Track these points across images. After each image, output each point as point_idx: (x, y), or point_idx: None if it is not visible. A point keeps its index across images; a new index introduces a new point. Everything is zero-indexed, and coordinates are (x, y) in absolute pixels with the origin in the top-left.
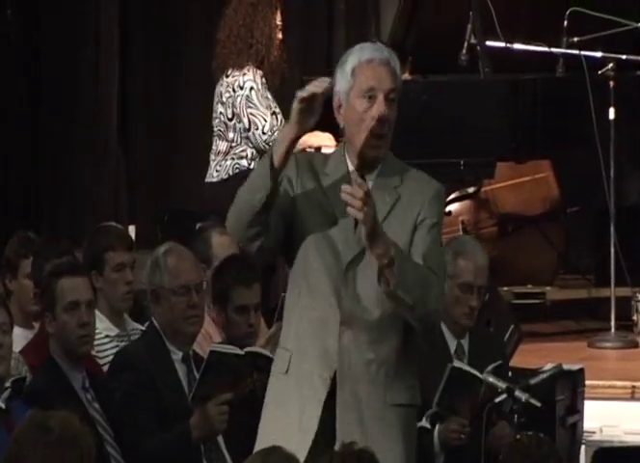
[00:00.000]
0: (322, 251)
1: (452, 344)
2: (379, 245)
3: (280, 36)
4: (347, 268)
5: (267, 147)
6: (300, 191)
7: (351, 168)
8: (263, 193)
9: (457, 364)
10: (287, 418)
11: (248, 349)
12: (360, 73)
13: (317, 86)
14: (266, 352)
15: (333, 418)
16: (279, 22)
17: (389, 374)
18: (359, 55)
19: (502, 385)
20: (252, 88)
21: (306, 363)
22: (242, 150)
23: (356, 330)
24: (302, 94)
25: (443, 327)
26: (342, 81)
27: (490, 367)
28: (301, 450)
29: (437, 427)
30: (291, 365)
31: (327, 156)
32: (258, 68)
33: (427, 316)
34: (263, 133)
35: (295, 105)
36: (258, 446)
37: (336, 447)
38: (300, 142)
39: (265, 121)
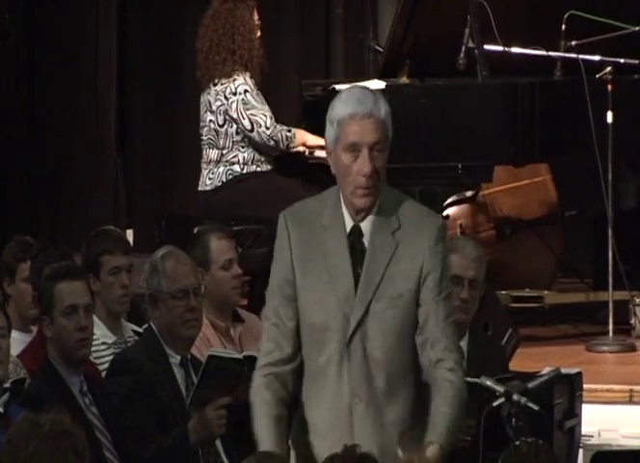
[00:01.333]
0: (325, 319)
1: None
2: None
3: (258, 33)
4: (352, 335)
5: (271, 141)
6: (298, 259)
7: (347, 219)
8: None
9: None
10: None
11: (246, 353)
12: (344, 127)
13: None
14: None
15: None
16: (257, 21)
17: (404, 428)
18: (343, 107)
19: (500, 389)
20: (245, 91)
21: (322, 441)
22: (234, 156)
23: (365, 400)
24: None
25: None
26: (330, 131)
27: (493, 379)
28: None
29: None
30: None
31: (321, 202)
32: (245, 70)
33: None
34: (267, 128)
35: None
36: None
37: None
38: (297, 141)
39: (265, 117)
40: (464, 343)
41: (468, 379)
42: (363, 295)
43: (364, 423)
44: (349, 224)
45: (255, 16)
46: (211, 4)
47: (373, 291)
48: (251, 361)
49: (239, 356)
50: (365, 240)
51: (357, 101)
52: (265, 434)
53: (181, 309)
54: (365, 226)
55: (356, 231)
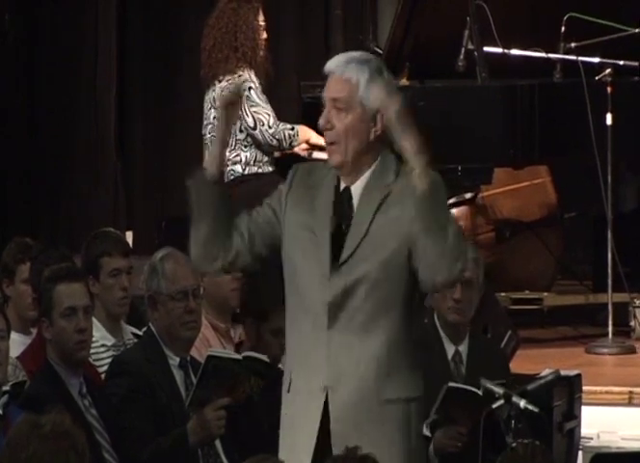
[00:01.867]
0: (308, 260)
1: (450, 351)
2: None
3: (264, 35)
4: (332, 268)
5: (274, 140)
6: (290, 206)
7: (342, 182)
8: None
9: (452, 384)
10: (294, 436)
11: (245, 354)
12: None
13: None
14: (264, 357)
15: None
16: (262, 23)
17: (381, 370)
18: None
19: (499, 390)
20: (250, 88)
21: (302, 377)
22: (236, 156)
23: (342, 330)
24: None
25: (441, 333)
26: None
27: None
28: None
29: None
30: (292, 382)
31: (325, 164)
32: (250, 68)
33: (460, 255)
34: (270, 127)
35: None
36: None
37: (334, 449)
38: (300, 138)
39: (268, 115)
40: (463, 347)
41: (467, 388)
42: (350, 242)
43: (339, 355)
44: (342, 186)
45: (261, 18)
46: (217, 5)
47: (361, 238)
48: (250, 361)
49: (238, 356)
50: (355, 202)
51: (337, 59)
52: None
53: (180, 310)
54: (356, 188)
55: (346, 194)
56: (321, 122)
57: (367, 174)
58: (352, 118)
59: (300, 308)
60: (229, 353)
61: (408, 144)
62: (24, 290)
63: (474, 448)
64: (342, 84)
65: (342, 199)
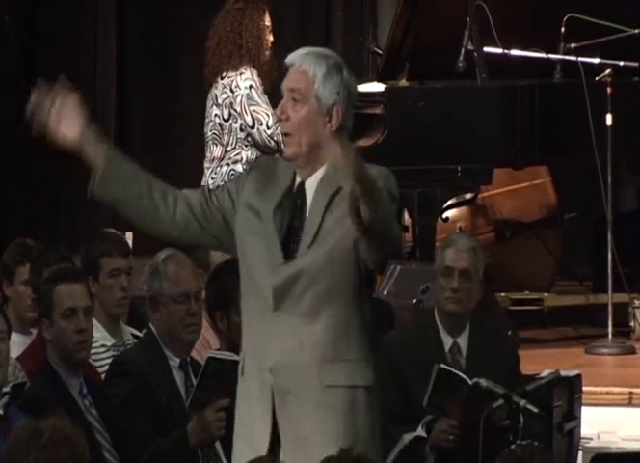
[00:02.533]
0: (256, 244)
1: (447, 343)
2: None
3: (270, 37)
4: (279, 256)
5: (271, 141)
6: (246, 191)
7: (298, 176)
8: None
9: (443, 366)
10: (247, 420)
11: None
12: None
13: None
14: None
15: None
16: (267, 24)
17: (325, 355)
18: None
19: (500, 391)
20: (251, 86)
21: (252, 359)
22: (237, 154)
23: (287, 313)
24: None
25: (439, 325)
26: None
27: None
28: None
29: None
30: (244, 365)
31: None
32: (252, 67)
33: (394, 241)
34: (268, 128)
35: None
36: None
37: (280, 431)
38: None
39: (268, 116)
40: (462, 339)
41: (457, 373)
42: (299, 233)
43: (284, 338)
44: (297, 181)
45: (267, 19)
46: (223, 5)
47: (310, 231)
48: None
49: (237, 357)
50: (308, 197)
51: (294, 53)
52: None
53: (182, 313)
54: (310, 183)
55: (300, 188)
56: (277, 111)
57: (322, 169)
58: (307, 110)
59: (251, 290)
60: (230, 354)
61: (340, 152)
62: (23, 292)
63: (470, 447)
64: (299, 75)
65: (295, 192)
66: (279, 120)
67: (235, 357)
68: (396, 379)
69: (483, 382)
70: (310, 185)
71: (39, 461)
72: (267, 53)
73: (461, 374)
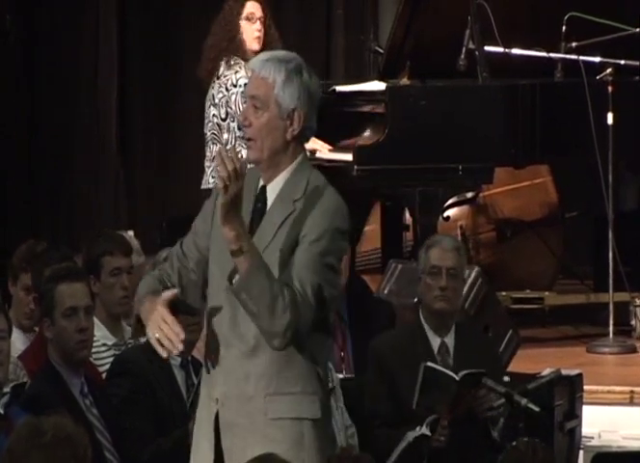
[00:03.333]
0: (213, 272)
1: (435, 343)
2: (231, 227)
3: (255, 26)
4: (229, 283)
5: None
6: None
7: (261, 183)
8: None
9: (430, 364)
10: (195, 446)
11: None
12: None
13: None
14: None
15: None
16: (249, 13)
17: (270, 388)
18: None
19: (501, 390)
20: (245, 84)
21: (204, 386)
22: (237, 153)
23: (234, 346)
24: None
25: (425, 325)
26: None
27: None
28: None
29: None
30: (200, 381)
31: None
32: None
33: (272, 335)
34: None
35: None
36: None
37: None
38: None
39: None
40: (449, 339)
41: (444, 371)
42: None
43: (231, 369)
44: (260, 183)
45: (247, 9)
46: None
47: (262, 249)
48: None
49: None
50: (268, 201)
51: (260, 58)
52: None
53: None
54: (272, 188)
55: (263, 193)
56: (239, 118)
57: (283, 174)
58: (268, 116)
59: (208, 314)
60: None
61: None
62: (22, 298)
63: (462, 447)
64: (259, 82)
65: (257, 195)
66: (242, 126)
67: None
68: (386, 383)
69: (486, 381)
70: (272, 190)
71: (40, 460)
72: (250, 45)
73: (447, 371)
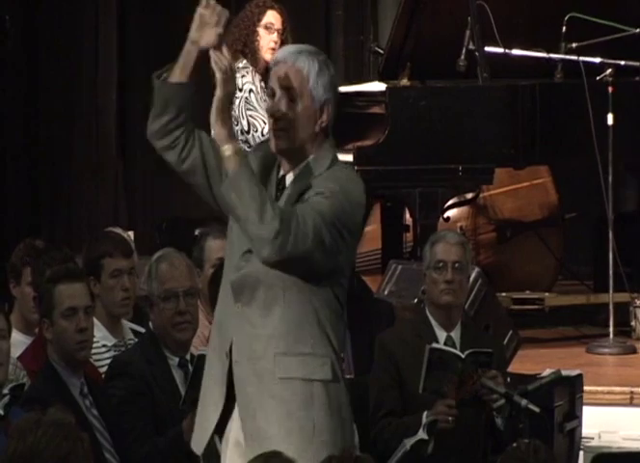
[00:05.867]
0: (234, 232)
1: (441, 337)
2: (223, 123)
3: (270, 37)
4: (245, 251)
5: None
6: None
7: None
8: (165, 119)
9: (435, 345)
10: (205, 397)
11: None
12: (271, 73)
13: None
14: None
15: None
16: (267, 23)
17: (279, 347)
18: (275, 55)
19: (501, 390)
20: (250, 90)
21: (214, 341)
22: None
23: (245, 305)
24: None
25: (432, 320)
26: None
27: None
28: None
29: (424, 413)
30: (211, 340)
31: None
32: (255, 72)
33: (261, 242)
34: (262, 135)
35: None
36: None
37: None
38: None
39: (264, 123)
40: (455, 333)
41: (450, 350)
42: None
43: (242, 329)
44: (280, 172)
45: (266, 21)
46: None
47: None
48: None
49: None
50: (286, 190)
51: (287, 49)
52: None
53: (170, 311)
54: (289, 177)
55: (282, 182)
56: (272, 108)
57: (302, 165)
58: (302, 107)
59: (224, 280)
60: None
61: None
62: (29, 293)
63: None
64: (295, 73)
65: (277, 184)
66: (271, 116)
67: None
68: (392, 373)
69: (485, 382)
70: (289, 179)
71: (48, 434)
72: (263, 54)
73: (453, 350)
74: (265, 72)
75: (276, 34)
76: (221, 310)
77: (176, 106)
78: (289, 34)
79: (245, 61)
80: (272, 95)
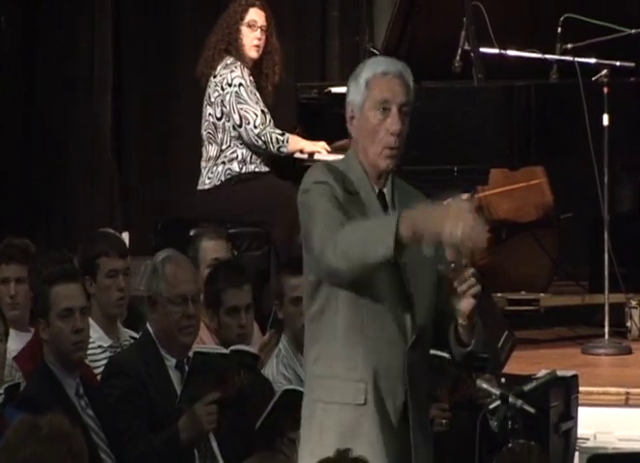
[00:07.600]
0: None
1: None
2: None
3: (254, 35)
4: (401, 283)
5: (259, 140)
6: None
7: (373, 184)
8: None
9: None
10: (365, 447)
11: (233, 348)
12: (375, 86)
13: None
14: (252, 350)
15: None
16: (250, 20)
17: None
18: (373, 68)
19: (496, 391)
20: (240, 84)
21: (382, 391)
22: (232, 152)
23: (419, 347)
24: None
25: None
26: (356, 93)
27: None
28: None
29: None
30: (368, 395)
31: (343, 168)
32: (243, 66)
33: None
34: (255, 127)
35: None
36: None
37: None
38: (291, 147)
39: (256, 115)
40: None
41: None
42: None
43: (415, 373)
44: (375, 188)
45: (250, 18)
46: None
47: None
48: (238, 355)
49: (225, 350)
50: (390, 205)
51: (388, 62)
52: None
53: (178, 315)
54: (387, 191)
55: (381, 196)
56: (395, 127)
57: (389, 177)
58: (407, 123)
59: (371, 314)
60: (216, 348)
61: None
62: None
63: (460, 431)
64: (407, 89)
65: (381, 201)
66: (392, 134)
67: (221, 350)
68: None
69: (481, 383)
70: (387, 193)
71: (37, 452)
72: (247, 51)
73: (446, 355)
74: (253, 68)
75: (259, 31)
76: (377, 350)
77: None
78: (274, 29)
79: (232, 58)
80: (382, 108)
